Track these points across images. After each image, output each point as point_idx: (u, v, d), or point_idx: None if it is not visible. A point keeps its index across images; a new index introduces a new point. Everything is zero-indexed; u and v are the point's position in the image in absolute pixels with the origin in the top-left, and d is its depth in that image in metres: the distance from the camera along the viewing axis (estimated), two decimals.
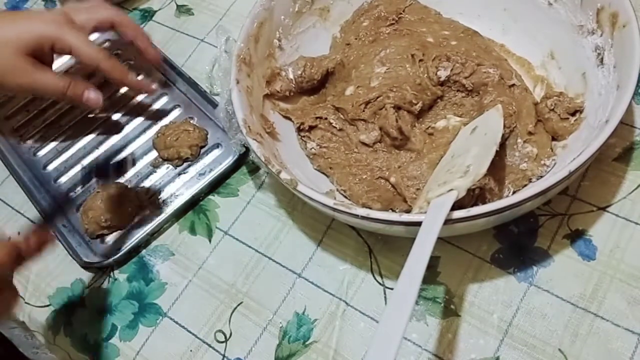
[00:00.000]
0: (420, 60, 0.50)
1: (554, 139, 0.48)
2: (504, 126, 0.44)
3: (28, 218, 0.58)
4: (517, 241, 0.47)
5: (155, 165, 0.58)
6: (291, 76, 0.53)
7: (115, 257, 0.52)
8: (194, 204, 0.55)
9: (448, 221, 0.37)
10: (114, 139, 0.61)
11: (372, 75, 0.51)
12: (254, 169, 0.56)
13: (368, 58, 0.52)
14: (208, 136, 0.58)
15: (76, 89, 0.53)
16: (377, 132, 0.50)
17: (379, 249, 0.49)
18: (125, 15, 0.60)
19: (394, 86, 0.49)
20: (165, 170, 0.58)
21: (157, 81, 0.63)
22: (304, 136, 0.53)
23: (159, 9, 0.71)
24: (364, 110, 0.50)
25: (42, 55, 0.52)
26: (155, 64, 0.62)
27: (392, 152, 0.50)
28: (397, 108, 0.49)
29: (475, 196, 0.44)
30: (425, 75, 0.49)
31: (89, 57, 0.52)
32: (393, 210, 0.48)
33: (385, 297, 0.47)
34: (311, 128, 0.52)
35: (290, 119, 0.54)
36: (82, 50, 0.52)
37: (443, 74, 0.49)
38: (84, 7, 0.57)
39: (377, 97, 0.50)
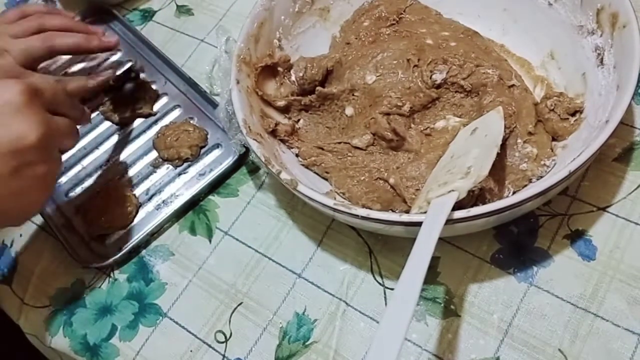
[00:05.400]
0: (415, 66, 0.50)
1: (554, 139, 0.48)
2: (504, 127, 0.44)
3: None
4: (517, 241, 0.47)
5: (155, 166, 0.58)
6: (293, 78, 0.54)
7: (115, 257, 0.52)
8: (194, 204, 0.55)
9: (448, 221, 0.37)
10: (114, 140, 0.61)
11: (361, 84, 0.51)
12: (254, 169, 0.56)
13: (365, 60, 0.52)
14: (208, 136, 0.58)
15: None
16: (369, 135, 0.50)
17: (379, 250, 0.49)
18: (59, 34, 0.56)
19: (377, 97, 0.49)
20: (165, 170, 0.58)
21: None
22: (288, 144, 0.52)
23: (159, 9, 0.71)
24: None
25: None
26: (116, 47, 0.60)
27: (390, 154, 0.50)
28: (386, 114, 0.49)
29: (474, 196, 0.44)
30: (419, 79, 0.49)
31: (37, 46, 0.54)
32: (393, 211, 0.48)
33: (385, 298, 0.47)
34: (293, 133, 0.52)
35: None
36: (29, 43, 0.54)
37: (438, 77, 0.49)
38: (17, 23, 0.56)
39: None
